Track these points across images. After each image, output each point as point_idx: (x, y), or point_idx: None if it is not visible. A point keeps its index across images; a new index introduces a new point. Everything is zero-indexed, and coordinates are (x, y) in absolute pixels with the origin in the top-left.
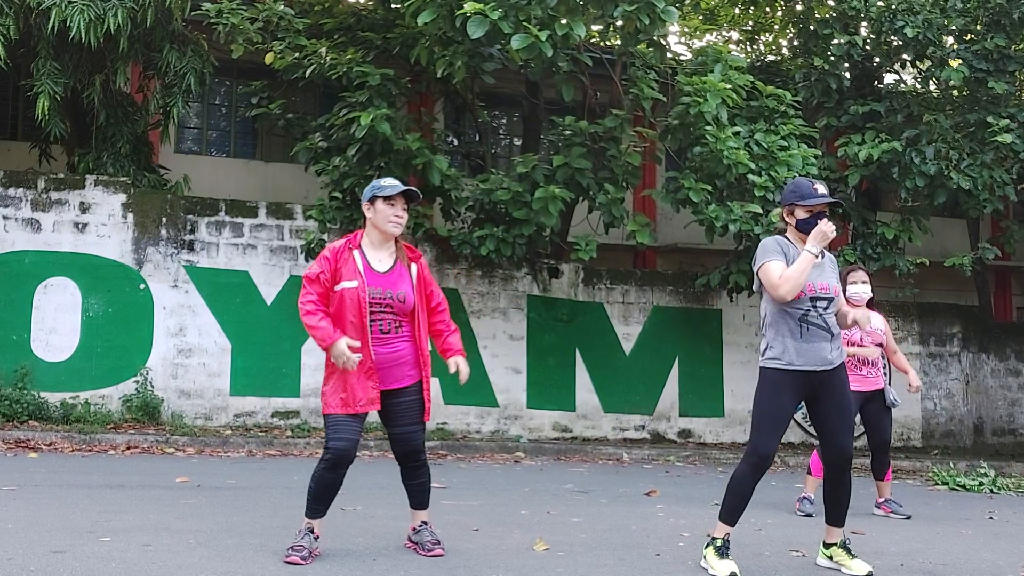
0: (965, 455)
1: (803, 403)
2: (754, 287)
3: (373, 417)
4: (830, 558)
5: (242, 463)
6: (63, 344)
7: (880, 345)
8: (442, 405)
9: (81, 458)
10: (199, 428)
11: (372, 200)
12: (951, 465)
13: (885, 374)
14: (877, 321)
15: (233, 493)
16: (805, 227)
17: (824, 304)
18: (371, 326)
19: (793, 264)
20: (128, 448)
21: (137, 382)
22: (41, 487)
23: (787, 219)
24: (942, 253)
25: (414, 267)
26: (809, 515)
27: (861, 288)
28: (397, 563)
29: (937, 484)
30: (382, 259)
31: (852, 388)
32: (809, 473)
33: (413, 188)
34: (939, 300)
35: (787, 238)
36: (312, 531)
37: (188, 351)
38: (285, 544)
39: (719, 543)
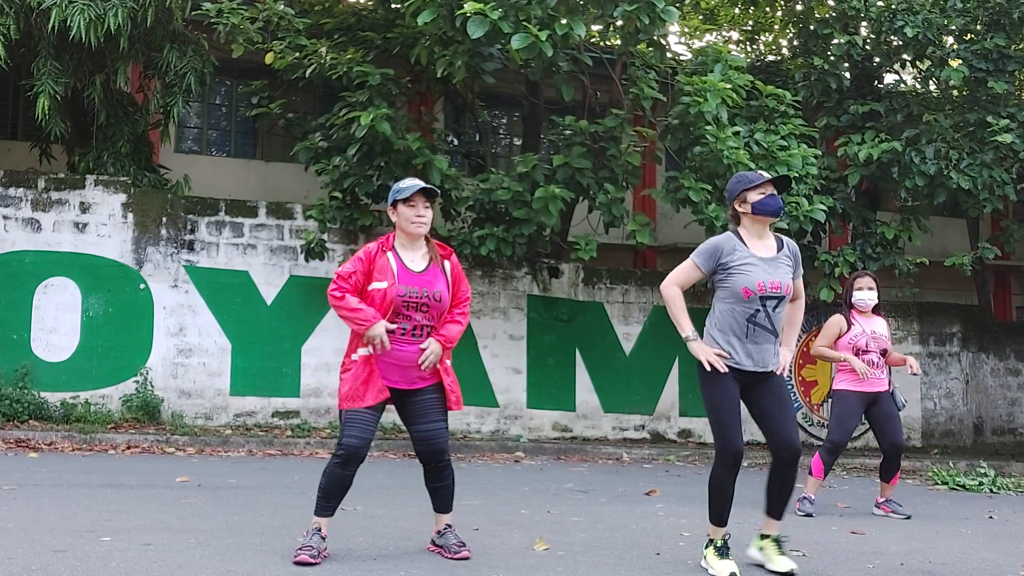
0: (965, 455)
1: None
2: (708, 284)
3: (387, 418)
4: (760, 550)
5: (242, 463)
6: (63, 344)
7: (885, 351)
8: None
9: (81, 458)
10: (199, 428)
11: (394, 204)
12: (951, 465)
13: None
14: (882, 327)
15: (233, 493)
16: (763, 208)
17: (774, 303)
18: (404, 329)
19: (678, 307)
20: (128, 448)
21: (137, 382)
22: (41, 487)
23: (740, 209)
24: (942, 253)
25: (447, 264)
26: (809, 515)
27: (868, 295)
28: (398, 563)
29: (937, 484)
30: (415, 260)
31: (856, 388)
32: (810, 473)
33: (430, 186)
34: (939, 300)
35: (739, 236)
36: (320, 531)
37: (188, 351)
38: (286, 544)
39: (719, 543)
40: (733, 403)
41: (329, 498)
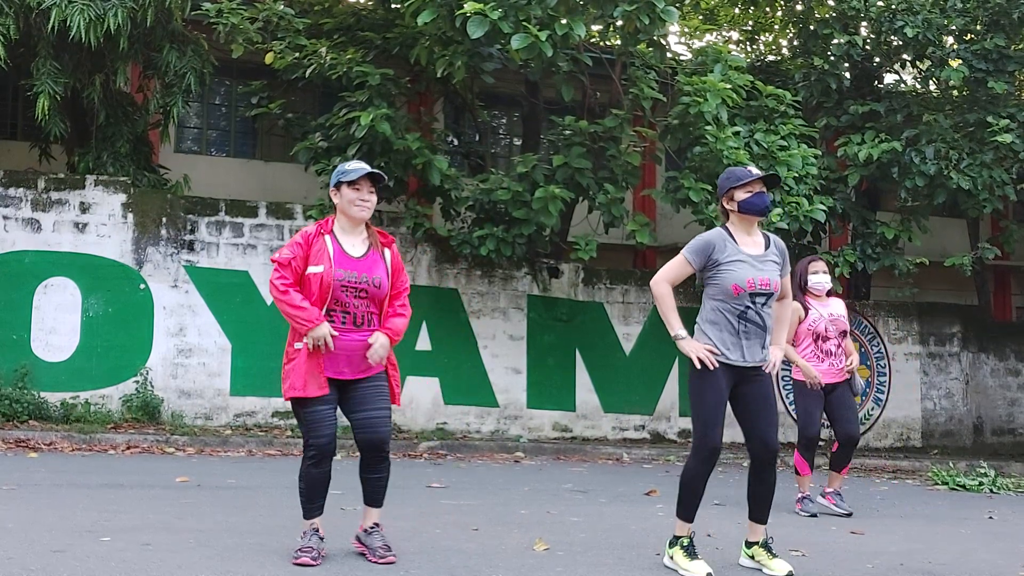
0: (965, 455)
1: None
2: (697, 280)
3: None
4: (752, 557)
5: (242, 463)
6: (63, 344)
7: (845, 333)
8: (442, 405)
9: (81, 458)
10: (199, 428)
11: (337, 186)
12: (951, 465)
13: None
14: (840, 307)
15: (233, 493)
16: (749, 207)
17: (763, 300)
18: (344, 315)
19: (668, 306)
20: (128, 448)
21: (137, 382)
22: (41, 487)
23: (728, 206)
24: (942, 253)
25: (387, 252)
26: (814, 515)
27: (823, 278)
28: (397, 563)
29: (937, 484)
30: (355, 244)
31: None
32: (797, 473)
33: (377, 171)
34: (939, 300)
35: (729, 231)
36: (317, 531)
37: (188, 351)
38: (285, 544)
39: (685, 542)
40: (719, 398)
41: (313, 499)
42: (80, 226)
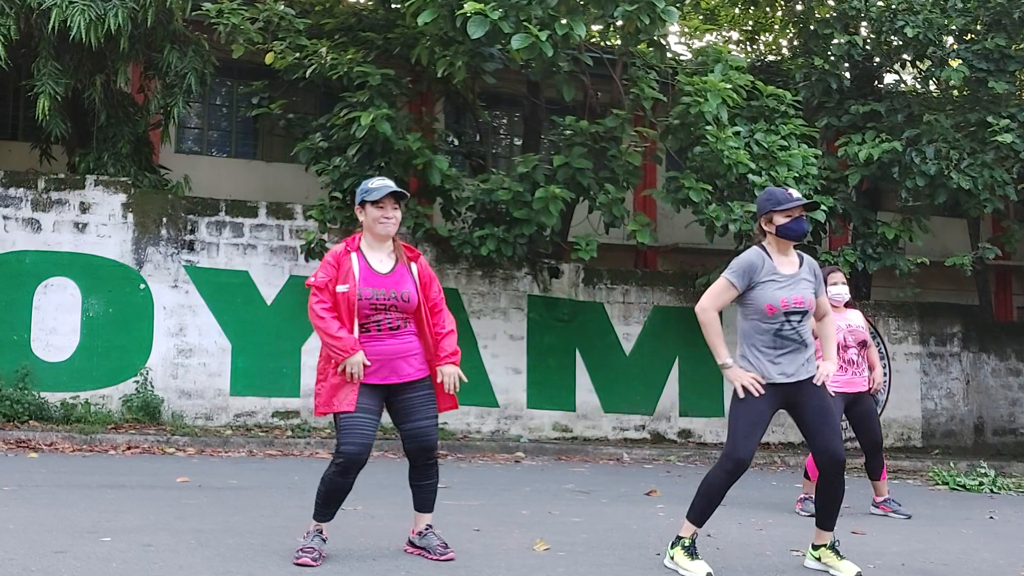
0: (965, 455)
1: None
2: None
3: (386, 418)
4: (818, 559)
5: (242, 463)
6: (63, 344)
7: (864, 343)
8: None
9: (81, 458)
10: (199, 428)
11: (362, 204)
12: (951, 465)
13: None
14: (857, 318)
15: (234, 493)
16: (786, 232)
17: (798, 318)
18: (378, 326)
19: (715, 332)
20: (128, 448)
21: (137, 382)
22: (41, 487)
23: (766, 227)
24: (942, 253)
25: (414, 266)
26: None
27: (841, 289)
28: (398, 563)
29: (937, 484)
30: (382, 260)
31: (836, 390)
32: (806, 476)
33: (401, 190)
34: (939, 300)
35: (764, 249)
36: (320, 532)
37: (188, 351)
38: (286, 544)
39: (687, 543)
40: (756, 417)
41: (328, 504)
42: (80, 226)
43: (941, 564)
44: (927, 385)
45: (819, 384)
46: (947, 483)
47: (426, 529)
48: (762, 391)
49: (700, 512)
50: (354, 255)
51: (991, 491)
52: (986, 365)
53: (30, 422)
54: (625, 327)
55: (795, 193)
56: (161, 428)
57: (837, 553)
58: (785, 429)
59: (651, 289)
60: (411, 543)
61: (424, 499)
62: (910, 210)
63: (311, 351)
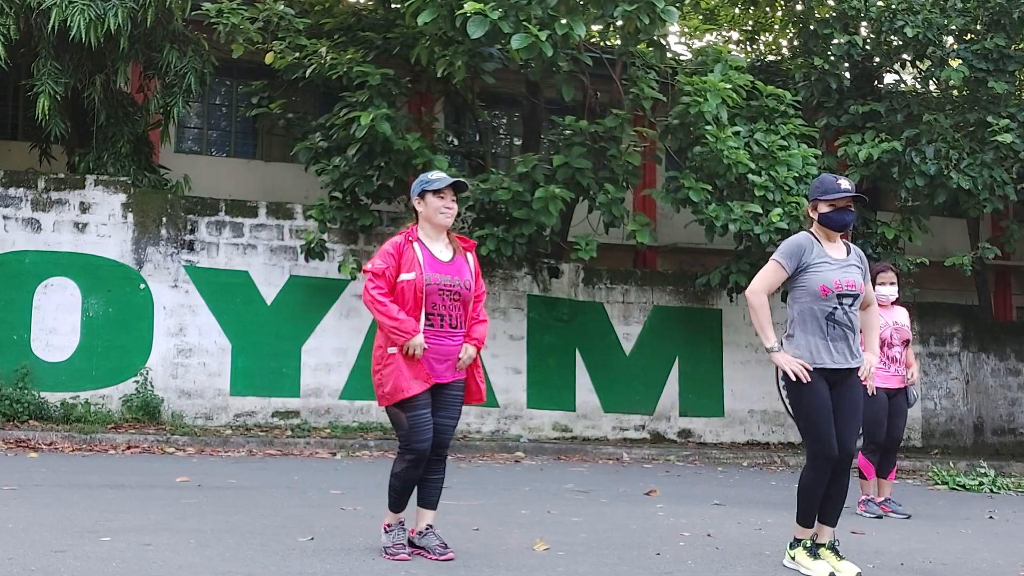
0: (965, 455)
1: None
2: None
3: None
4: (793, 559)
5: (242, 463)
6: (63, 344)
7: (907, 342)
8: None
9: (81, 458)
10: (199, 428)
11: (422, 194)
12: (951, 465)
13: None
14: (904, 317)
15: (233, 493)
16: (827, 222)
17: (850, 301)
18: (442, 319)
19: (764, 316)
20: (128, 448)
21: (137, 382)
22: (41, 487)
23: (811, 214)
24: (942, 253)
25: (470, 256)
26: (879, 517)
27: (890, 290)
28: (398, 563)
29: (937, 484)
30: (442, 250)
31: (880, 384)
32: (862, 477)
33: (461, 180)
34: (939, 300)
35: (813, 234)
36: (402, 524)
37: (188, 351)
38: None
39: (808, 543)
40: (826, 405)
41: (405, 495)
42: (80, 226)
43: (940, 564)
44: (927, 385)
45: (862, 377)
46: (947, 483)
47: (426, 529)
48: (809, 378)
49: (806, 515)
50: (416, 244)
51: (991, 491)
52: (986, 365)
53: (30, 422)
54: (625, 327)
55: (844, 184)
56: (161, 428)
57: (837, 553)
58: (785, 429)
59: (651, 289)
60: (411, 543)
61: (429, 494)
62: (910, 210)
63: (311, 351)
